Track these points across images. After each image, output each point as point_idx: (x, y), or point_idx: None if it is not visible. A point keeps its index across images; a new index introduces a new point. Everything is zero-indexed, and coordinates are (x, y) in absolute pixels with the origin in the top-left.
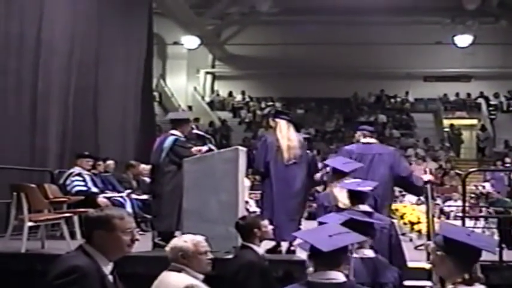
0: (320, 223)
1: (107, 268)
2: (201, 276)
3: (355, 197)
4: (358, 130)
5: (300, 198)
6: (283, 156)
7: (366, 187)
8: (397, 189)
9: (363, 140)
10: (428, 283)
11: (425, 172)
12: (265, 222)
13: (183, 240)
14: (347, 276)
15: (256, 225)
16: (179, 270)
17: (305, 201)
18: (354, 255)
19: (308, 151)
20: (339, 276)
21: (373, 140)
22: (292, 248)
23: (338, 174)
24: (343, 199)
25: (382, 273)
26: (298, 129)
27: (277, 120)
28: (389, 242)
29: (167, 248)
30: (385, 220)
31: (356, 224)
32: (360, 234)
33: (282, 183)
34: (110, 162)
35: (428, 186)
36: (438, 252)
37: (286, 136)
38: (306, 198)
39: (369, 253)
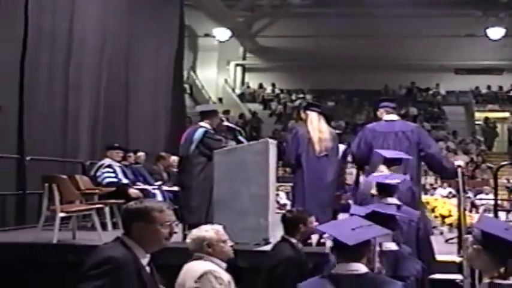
0: (351, 215)
1: (144, 260)
2: (224, 264)
3: (383, 189)
4: (380, 107)
5: (331, 190)
6: (315, 149)
7: (394, 180)
8: (428, 182)
9: (385, 117)
10: (459, 276)
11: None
12: (312, 218)
13: (204, 230)
14: (372, 268)
15: (303, 220)
16: (202, 259)
17: (338, 194)
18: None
19: (340, 144)
20: (360, 268)
21: (395, 117)
22: (322, 240)
23: (386, 163)
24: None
25: (403, 266)
26: (329, 121)
27: (308, 112)
28: (417, 235)
29: (188, 240)
30: (414, 213)
31: (379, 216)
32: (382, 228)
33: (314, 175)
34: (141, 153)
35: (460, 175)
36: (475, 246)
37: (317, 128)
38: (337, 191)
39: (391, 246)
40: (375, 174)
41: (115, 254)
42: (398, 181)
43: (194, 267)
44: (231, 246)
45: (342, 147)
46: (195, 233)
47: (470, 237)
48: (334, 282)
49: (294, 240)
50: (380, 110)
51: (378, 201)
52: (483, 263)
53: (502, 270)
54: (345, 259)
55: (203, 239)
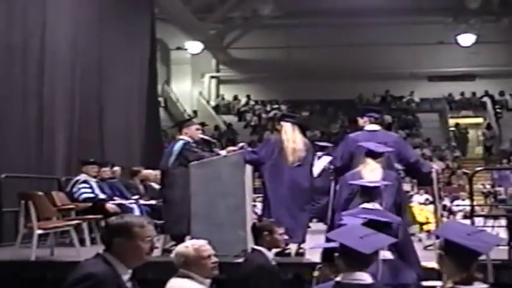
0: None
1: (126, 276)
2: (208, 281)
3: (365, 193)
4: (365, 116)
5: (305, 200)
6: (288, 159)
7: (374, 184)
8: (404, 189)
9: (368, 126)
10: (439, 283)
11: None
12: (280, 229)
13: (184, 246)
14: (375, 277)
15: (267, 228)
16: (185, 276)
17: (311, 204)
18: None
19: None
20: (366, 277)
21: (377, 127)
22: (300, 251)
23: (369, 156)
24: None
25: (403, 274)
26: (305, 131)
27: (283, 123)
28: (402, 240)
29: (172, 255)
30: (395, 219)
31: (375, 224)
32: (388, 236)
33: (287, 185)
34: (116, 168)
35: (435, 181)
36: (439, 252)
37: (291, 139)
38: (311, 201)
39: (388, 254)
40: (362, 169)
41: (95, 270)
42: (378, 184)
43: (175, 286)
44: (214, 262)
45: (327, 159)
46: (178, 248)
47: (437, 243)
48: None
49: (262, 249)
50: (364, 119)
51: (358, 205)
52: (447, 268)
53: (465, 275)
54: (351, 267)
55: (181, 255)
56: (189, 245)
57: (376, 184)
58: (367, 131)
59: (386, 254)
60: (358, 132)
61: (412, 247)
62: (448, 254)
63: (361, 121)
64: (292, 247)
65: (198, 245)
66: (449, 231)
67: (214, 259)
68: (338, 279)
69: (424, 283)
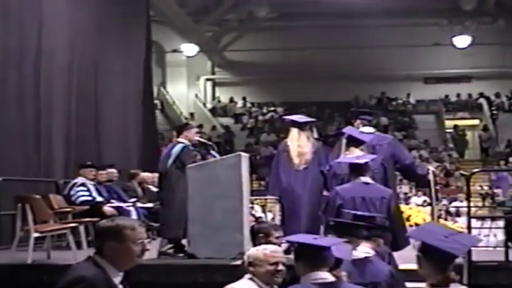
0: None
1: (117, 278)
2: None
3: (356, 169)
4: (358, 119)
5: (316, 199)
6: (294, 163)
7: (363, 160)
8: (403, 191)
9: (361, 129)
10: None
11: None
12: (278, 232)
13: (256, 249)
14: (337, 277)
15: (264, 231)
16: (249, 279)
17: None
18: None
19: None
20: (328, 276)
21: (371, 130)
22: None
23: (353, 143)
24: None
25: (373, 271)
26: (320, 133)
27: (290, 128)
28: (388, 211)
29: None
30: (385, 190)
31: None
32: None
33: (294, 188)
34: (113, 170)
35: (431, 181)
36: (416, 254)
37: (297, 143)
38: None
39: (359, 254)
40: (348, 155)
41: (86, 273)
42: (368, 160)
43: (233, 285)
44: (279, 270)
45: None
46: (250, 250)
47: (415, 245)
48: None
49: None
50: (357, 121)
51: (352, 181)
52: (424, 270)
53: (441, 277)
54: (310, 267)
55: (249, 256)
56: (260, 248)
57: (365, 160)
58: (362, 132)
59: (357, 254)
60: None
61: (401, 216)
62: (426, 256)
63: (355, 124)
64: (283, 246)
65: (269, 249)
66: (427, 234)
67: (280, 267)
68: (301, 280)
69: (409, 284)
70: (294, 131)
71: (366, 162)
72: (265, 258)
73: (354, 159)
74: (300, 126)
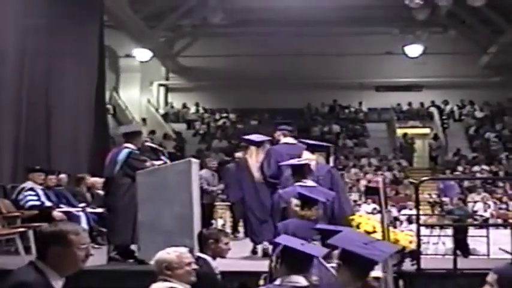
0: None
1: (58, 284)
2: (188, 287)
3: (297, 172)
4: (278, 130)
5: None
6: (255, 176)
7: (302, 161)
8: (352, 198)
9: (283, 139)
10: None
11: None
12: (227, 239)
13: (166, 252)
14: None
15: (214, 236)
16: (164, 281)
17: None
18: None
19: None
20: (302, 281)
21: (293, 140)
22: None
23: (310, 149)
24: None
25: None
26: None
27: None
28: (332, 213)
29: (152, 262)
30: (329, 193)
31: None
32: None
33: (261, 198)
34: (62, 175)
35: (381, 192)
36: (336, 261)
37: (256, 159)
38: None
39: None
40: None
41: (27, 279)
42: (305, 162)
43: None
44: (194, 269)
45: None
46: (159, 254)
47: (336, 253)
48: None
49: (207, 257)
50: (278, 132)
51: (295, 184)
52: (343, 277)
53: (359, 285)
54: (292, 271)
55: (163, 261)
56: (170, 252)
57: (303, 161)
58: (284, 143)
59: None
60: (278, 145)
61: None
62: (345, 263)
63: (275, 134)
64: (259, 247)
65: (179, 251)
66: (347, 241)
67: (194, 266)
68: (277, 282)
69: None
70: (252, 149)
71: (306, 164)
72: (180, 260)
73: (295, 161)
74: (257, 144)
